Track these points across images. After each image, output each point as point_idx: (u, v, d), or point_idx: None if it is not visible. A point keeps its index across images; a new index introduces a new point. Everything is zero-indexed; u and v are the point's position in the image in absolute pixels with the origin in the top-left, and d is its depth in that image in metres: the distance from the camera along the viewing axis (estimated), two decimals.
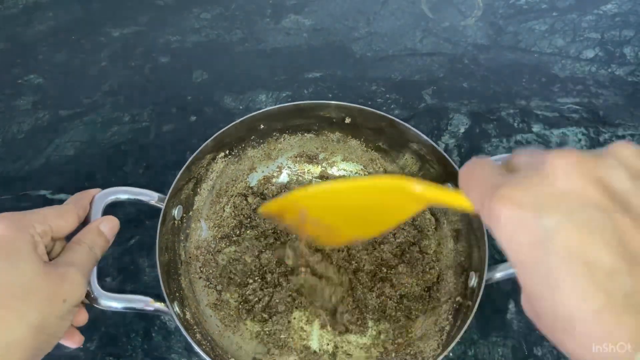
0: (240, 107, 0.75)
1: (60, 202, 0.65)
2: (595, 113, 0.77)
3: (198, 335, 0.49)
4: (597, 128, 0.76)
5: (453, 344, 0.46)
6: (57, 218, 0.41)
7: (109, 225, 0.45)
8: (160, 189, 0.65)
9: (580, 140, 0.74)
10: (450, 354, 0.56)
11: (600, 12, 0.92)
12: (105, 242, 0.44)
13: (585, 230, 0.21)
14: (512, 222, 0.24)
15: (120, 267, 0.60)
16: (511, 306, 0.59)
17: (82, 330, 0.55)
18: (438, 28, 0.87)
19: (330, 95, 0.77)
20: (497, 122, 0.75)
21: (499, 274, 0.49)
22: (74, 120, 0.72)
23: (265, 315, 0.55)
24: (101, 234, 0.44)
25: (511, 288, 0.61)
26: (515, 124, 0.75)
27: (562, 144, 0.74)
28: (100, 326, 0.56)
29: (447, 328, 0.52)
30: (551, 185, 0.23)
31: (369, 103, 0.76)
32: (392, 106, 0.76)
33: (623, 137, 0.75)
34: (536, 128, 0.75)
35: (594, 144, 0.74)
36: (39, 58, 0.79)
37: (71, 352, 0.54)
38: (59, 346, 0.54)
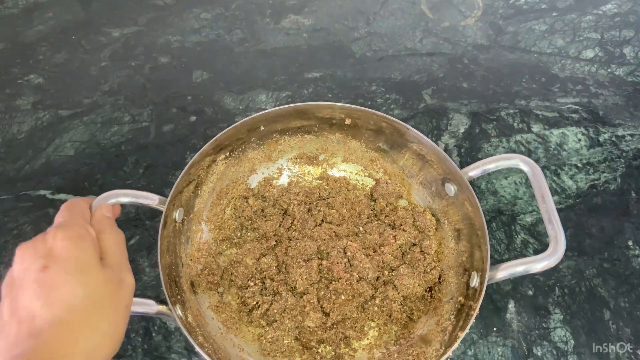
0: (240, 107, 0.75)
1: (61, 202, 0.65)
2: (595, 113, 0.77)
3: (200, 338, 0.49)
4: (597, 128, 0.76)
5: (455, 345, 0.46)
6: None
7: (108, 208, 0.46)
8: (160, 189, 0.66)
9: (580, 140, 0.74)
10: (451, 354, 0.56)
11: (600, 12, 0.92)
12: (114, 223, 0.45)
13: None
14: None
15: None
16: (511, 306, 0.59)
17: None
18: (438, 28, 0.88)
19: (330, 95, 0.77)
20: (497, 122, 0.75)
21: (500, 274, 0.49)
22: (74, 120, 0.72)
23: (262, 322, 0.55)
24: (109, 218, 0.45)
25: (511, 288, 0.61)
26: (515, 124, 0.75)
27: (562, 144, 0.74)
28: None
29: (450, 328, 0.52)
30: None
31: (369, 103, 0.76)
32: (392, 106, 0.76)
33: (623, 137, 0.75)
34: (536, 128, 0.75)
35: (594, 144, 0.74)
36: (39, 58, 0.79)
37: None
38: None
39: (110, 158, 0.69)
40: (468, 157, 0.71)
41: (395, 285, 0.56)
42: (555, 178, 0.70)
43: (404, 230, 0.60)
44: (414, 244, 0.59)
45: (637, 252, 0.64)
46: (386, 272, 0.57)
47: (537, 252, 0.64)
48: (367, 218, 0.62)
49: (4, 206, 0.64)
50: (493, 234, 0.65)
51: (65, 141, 0.70)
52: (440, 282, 0.58)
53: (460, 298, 0.53)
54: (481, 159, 0.72)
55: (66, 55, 0.79)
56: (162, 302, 0.47)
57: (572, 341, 0.57)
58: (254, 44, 0.83)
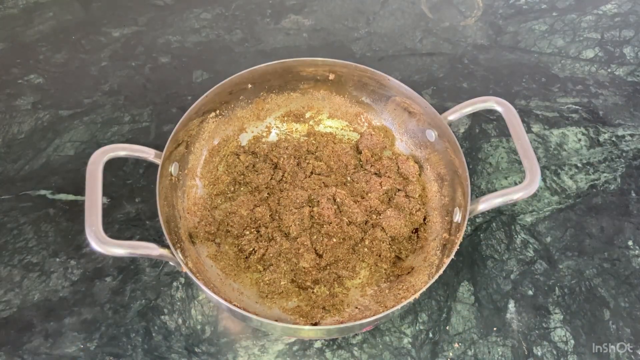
0: None
1: (61, 202, 0.65)
2: (595, 113, 0.77)
3: (201, 283, 0.50)
4: (597, 128, 0.76)
5: (440, 271, 0.48)
6: None
7: None
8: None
9: (580, 140, 0.74)
10: (451, 354, 0.56)
11: (600, 12, 0.92)
12: None
13: None
14: None
15: (120, 267, 0.60)
16: (511, 306, 0.59)
17: (83, 329, 0.55)
18: (438, 28, 0.88)
19: None
20: (497, 122, 0.75)
21: (481, 206, 0.52)
22: (74, 120, 0.72)
23: (259, 267, 0.57)
24: None
25: (511, 288, 0.61)
26: None
27: (562, 144, 0.74)
28: (100, 326, 0.56)
29: (436, 262, 0.55)
30: None
31: None
32: None
33: (623, 137, 0.75)
34: (536, 128, 0.75)
35: (594, 144, 0.74)
36: (39, 58, 0.79)
37: (72, 352, 0.54)
38: (59, 346, 0.54)
39: (110, 158, 0.68)
40: (468, 157, 0.71)
41: (383, 227, 0.60)
42: (555, 178, 0.70)
43: (389, 177, 0.64)
44: (399, 190, 0.63)
45: (637, 252, 0.64)
46: (374, 216, 0.61)
47: (537, 252, 0.64)
48: (354, 168, 0.65)
49: (4, 206, 0.64)
50: (493, 234, 0.65)
51: (65, 141, 0.70)
52: (425, 223, 0.61)
53: (445, 234, 0.57)
54: (482, 159, 0.72)
55: (66, 55, 0.79)
56: (164, 247, 0.48)
57: (572, 341, 0.57)
58: (254, 44, 0.83)
